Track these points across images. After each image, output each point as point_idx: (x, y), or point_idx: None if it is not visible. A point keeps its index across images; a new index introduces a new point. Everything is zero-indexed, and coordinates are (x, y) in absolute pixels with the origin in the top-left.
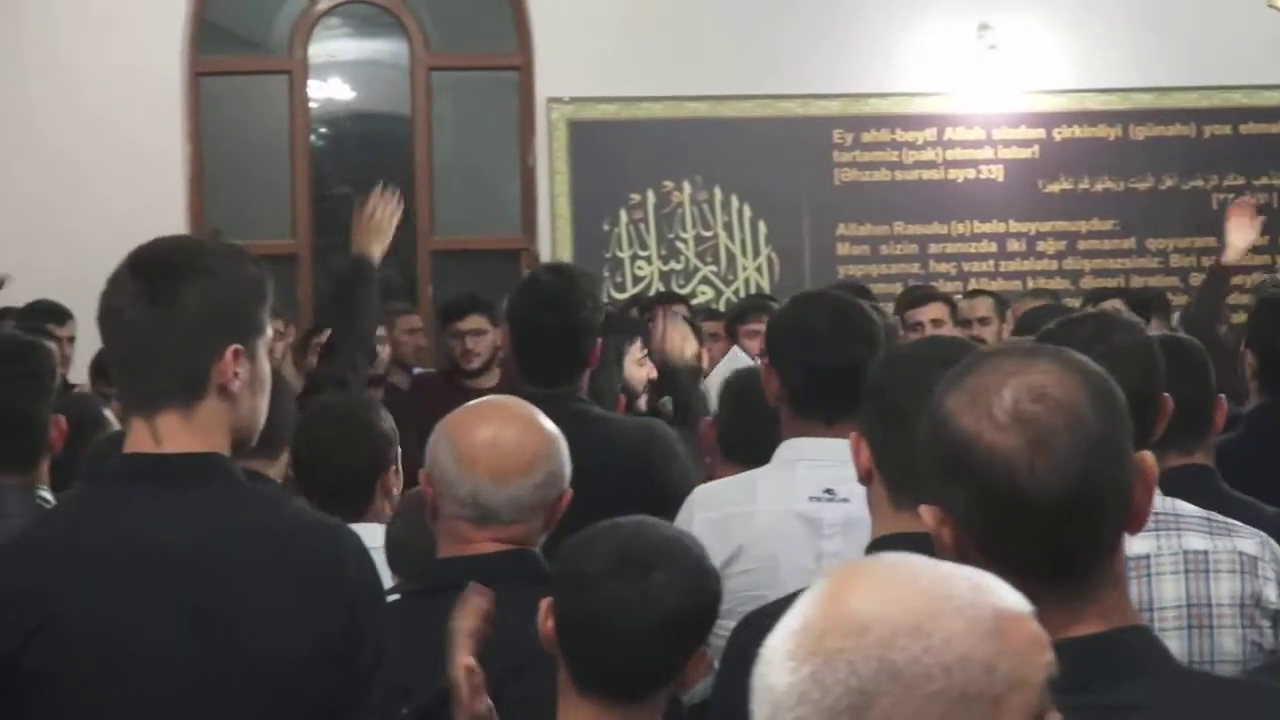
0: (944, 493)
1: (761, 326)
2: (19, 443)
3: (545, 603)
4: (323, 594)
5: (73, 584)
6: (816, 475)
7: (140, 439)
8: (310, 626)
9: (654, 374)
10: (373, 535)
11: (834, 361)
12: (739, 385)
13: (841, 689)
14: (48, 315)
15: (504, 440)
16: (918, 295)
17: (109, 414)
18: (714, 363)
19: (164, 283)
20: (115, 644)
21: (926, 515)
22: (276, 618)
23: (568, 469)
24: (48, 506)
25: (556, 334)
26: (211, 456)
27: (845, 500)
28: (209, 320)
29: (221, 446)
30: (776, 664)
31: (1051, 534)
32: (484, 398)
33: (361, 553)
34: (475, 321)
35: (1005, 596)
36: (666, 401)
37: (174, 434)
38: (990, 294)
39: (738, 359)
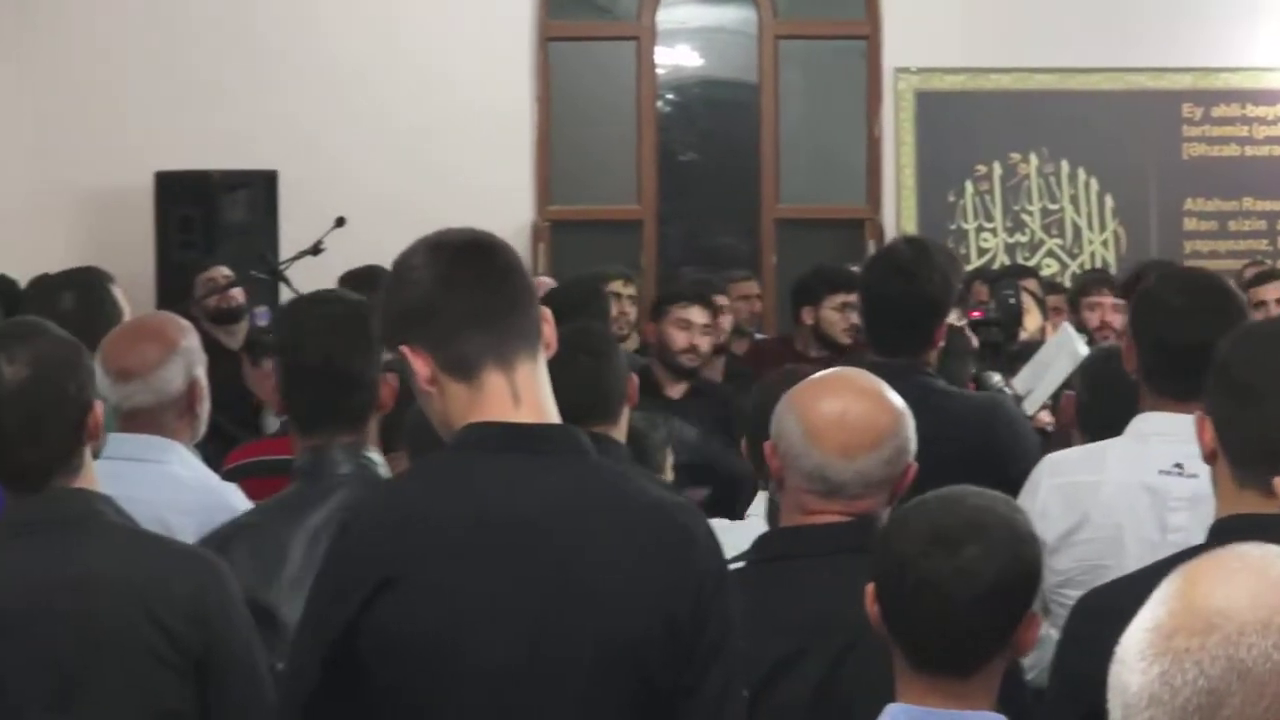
0: None
1: (1102, 300)
2: (348, 402)
3: (869, 587)
4: (672, 574)
5: (417, 551)
6: (1168, 450)
7: (499, 398)
8: (657, 606)
9: (974, 345)
10: None
11: (1187, 339)
12: (1100, 363)
13: (1190, 690)
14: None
15: (852, 415)
16: (1261, 274)
17: None
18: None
19: (484, 248)
20: (457, 613)
21: None
22: (624, 595)
23: (914, 443)
24: (375, 467)
25: (903, 302)
26: (563, 428)
27: (1194, 476)
28: (530, 281)
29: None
30: (1129, 664)
31: None
32: (832, 369)
33: (710, 535)
34: None
35: None
36: (991, 375)
37: (529, 389)
38: None
39: (1068, 336)
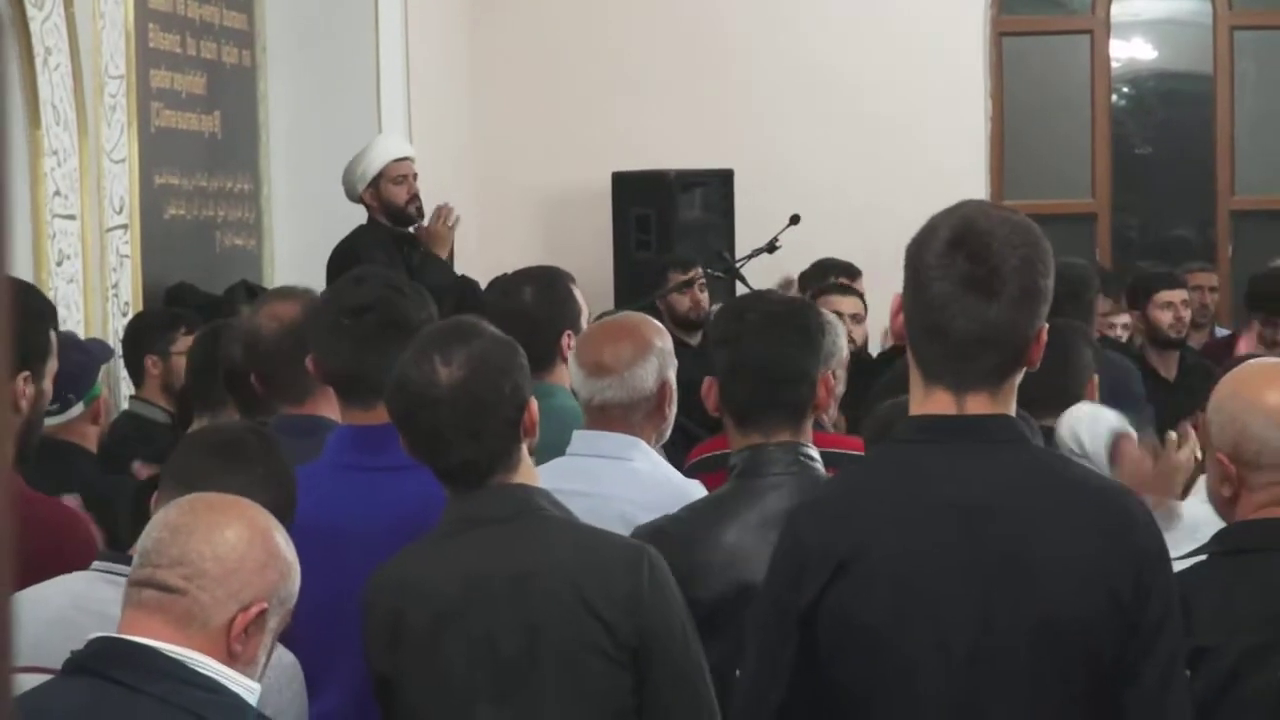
0: None
1: None
2: (786, 398)
3: None
4: (1114, 554)
5: (870, 533)
6: None
7: (944, 405)
8: (1101, 585)
9: None
10: None
11: None
12: None
13: None
14: (842, 270)
15: None
16: None
17: None
18: None
19: (993, 269)
20: (912, 588)
21: None
22: (1068, 575)
23: None
24: (814, 465)
25: None
26: (1003, 417)
27: None
28: (1033, 302)
29: (1013, 411)
30: None
31: None
32: (1250, 363)
33: (1148, 516)
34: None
35: None
36: None
37: (976, 404)
38: None
39: None
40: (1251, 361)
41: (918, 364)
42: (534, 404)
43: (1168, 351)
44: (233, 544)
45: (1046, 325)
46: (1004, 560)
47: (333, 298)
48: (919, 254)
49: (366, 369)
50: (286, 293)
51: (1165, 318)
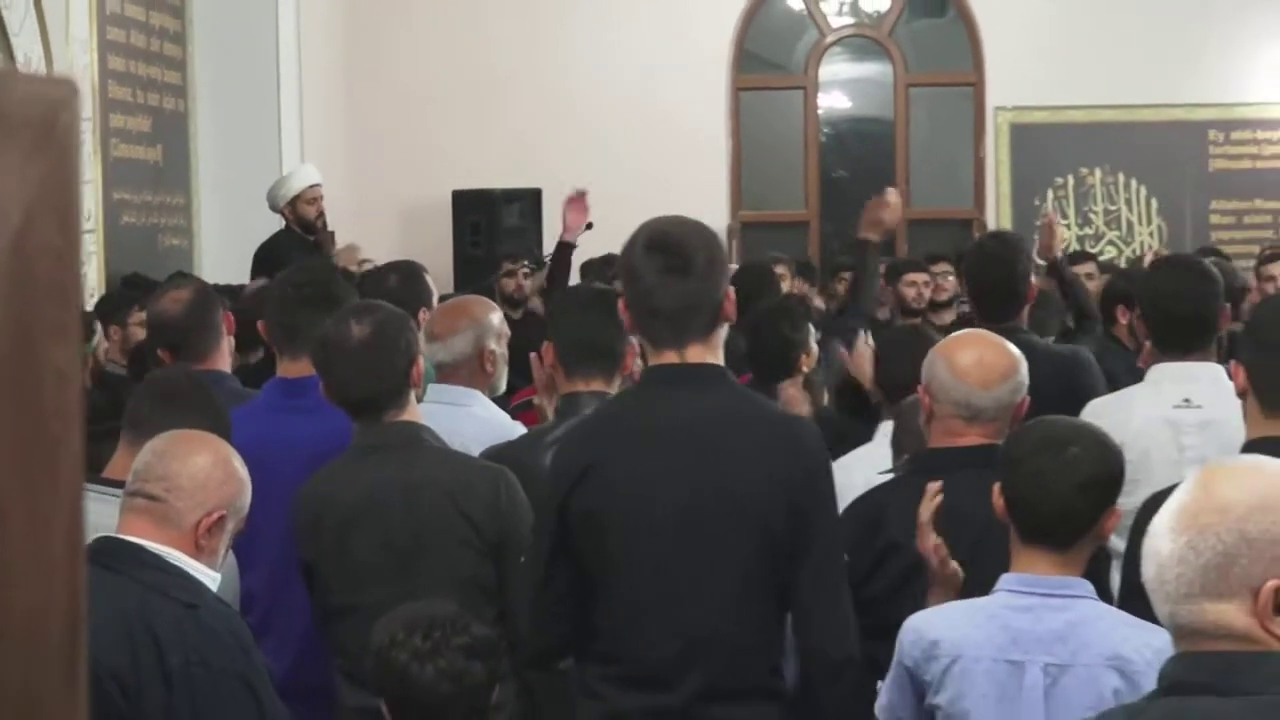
0: None
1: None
2: (599, 360)
3: (996, 486)
4: (787, 464)
5: (608, 448)
6: (1178, 390)
7: (668, 357)
8: (777, 487)
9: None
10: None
11: (1186, 310)
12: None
13: (1210, 553)
14: None
15: (986, 358)
16: (1267, 255)
17: None
18: None
19: (683, 258)
20: (637, 486)
21: None
22: (752, 478)
23: (1027, 380)
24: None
25: (999, 282)
26: (712, 365)
27: (1199, 407)
28: (716, 275)
29: (720, 359)
30: (1161, 535)
31: None
32: (963, 330)
33: (817, 439)
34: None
35: None
36: None
37: (694, 354)
38: None
39: None
40: (970, 329)
41: (645, 337)
42: (421, 361)
43: (910, 320)
44: (201, 465)
45: (732, 289)
46: (704, 464)
47: (286, 276)
48: (628, 258)
49: (300, 325)
50: (180, 281)
51: (910, 293)
